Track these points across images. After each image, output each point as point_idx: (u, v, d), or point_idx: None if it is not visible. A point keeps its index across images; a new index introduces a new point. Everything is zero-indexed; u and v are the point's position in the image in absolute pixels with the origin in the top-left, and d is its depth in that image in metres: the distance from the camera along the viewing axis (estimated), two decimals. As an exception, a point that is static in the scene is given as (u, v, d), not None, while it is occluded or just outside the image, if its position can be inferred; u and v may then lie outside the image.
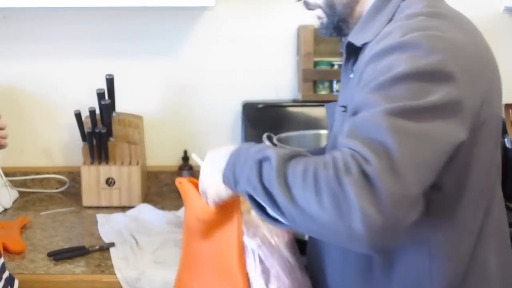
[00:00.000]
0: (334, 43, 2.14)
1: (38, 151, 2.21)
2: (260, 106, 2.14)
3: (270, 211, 1.06)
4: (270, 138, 1.95)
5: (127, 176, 2.00)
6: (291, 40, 2.18)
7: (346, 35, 1.25)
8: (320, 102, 2.11)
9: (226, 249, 1.23)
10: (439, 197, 1.07)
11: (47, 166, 2.21)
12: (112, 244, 1.68)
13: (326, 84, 2.16)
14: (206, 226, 1.25)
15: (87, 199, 2.01)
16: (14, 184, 2.15)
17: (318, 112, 2.09)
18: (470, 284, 1.13)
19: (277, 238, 1.24)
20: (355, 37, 1.19)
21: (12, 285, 1.37)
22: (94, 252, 1.65)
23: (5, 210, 2.01)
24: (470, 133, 1.02)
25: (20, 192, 2.15)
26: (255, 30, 2.16)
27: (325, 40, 2.13)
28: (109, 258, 1.61)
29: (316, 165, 0.97)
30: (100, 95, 1.96)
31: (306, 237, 1.39)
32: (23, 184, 2.18)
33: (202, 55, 2.17)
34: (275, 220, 1.08)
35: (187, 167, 2.17)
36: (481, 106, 1.06)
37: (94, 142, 1.99)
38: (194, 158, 1.35)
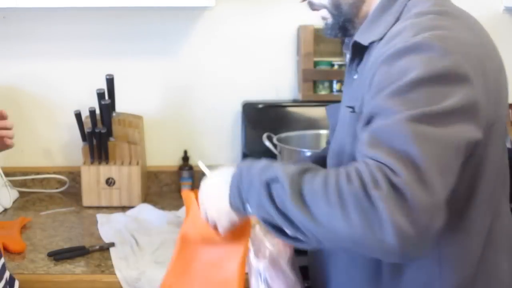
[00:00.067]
0: (334, 43, 2.15)
1: (38, 151, 2.21)
2: (260, 106, 2.14)
3: (289, 231, 1.04)
4: (270, 138, 1.95)
5: (127, 176, 2.00)
6: (291, 40, 2.18)
7: (351, 35, 1.24)
8: (320, 102, 2.12)
9: (227, 265, 1.21)
10: (451, 199, 1.05)
11: (47, 166, 2.21)
12: (112, 244, 1.68)
13: (326, 84, 2.16)
14: (209, 242, 1.22)
15: (87, 199, 2.01)
16: (14, 184, 2.15)
17: (318, 112, 2.09)
18: (481, 287, 1.12)
19: (280, 254, 1.22)
20: (362, 37, 1.18)
21: (12, 286, 1.37)
22: (94, 252, 1.65)
23: (5, 210, 2.01)
24: (483, 134, 1.02)
25: (20, 192, 2.15)
26: (255, 30, 2.16)
27: (325, 40, 2.14)
28: (109, 258, 1.61)
29: (337, 179, 0.95)
30: (100, 95, 1.96)
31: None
32: (23, 184, 2.18)
33: (202, 55, 2.17)
34: (296, 239, 1.05)
35: (187, 167, 2.17)
36: (492, 106, 1.06)
37: (94, 142, 1.99)
38: (200, 166, 1.31)
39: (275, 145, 1.93)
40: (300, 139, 2.01)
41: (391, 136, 0.95)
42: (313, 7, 1.25)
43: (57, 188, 2.19)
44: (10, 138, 1.53)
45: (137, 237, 1.72)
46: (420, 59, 1.00)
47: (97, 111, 1.98)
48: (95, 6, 1.92)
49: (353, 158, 1.11)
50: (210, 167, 1.28)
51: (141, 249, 1.67)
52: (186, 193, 1.28)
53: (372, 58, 1.12)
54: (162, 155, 2.22)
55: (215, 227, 1.18)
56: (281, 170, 1.01)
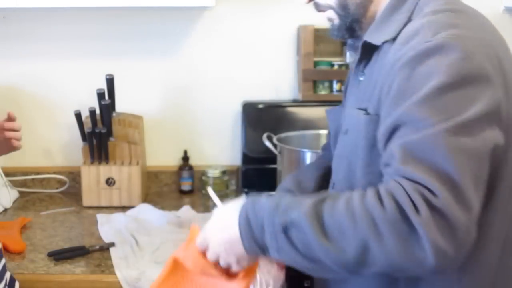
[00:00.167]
0: (334, 43, 2.15)
1: (38, 151, 2.21)
2: (260, 106, 2.14)
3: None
4: (270, 138, 1.95)
5: (127, 176, 2.00)
6: (291, 40, 2.18)
7: (358, 36, 1.21)
8: (320, 102, 2.12)
9: None
10: None
11: (47, 166, 2.21)
12: (112, 244, 1.68)
13: (326, 84, 2.16)
14: (205, 273, 1.19)
15: (87, 199, 2.01)
16: (14, 184, 2.15)
17: (318, 112, 2.08)
18: None
19: (274, 281, 1.19)
20: (372, 36, 1.15)
21: (12, 287, 1.38)
22: (94, 252, 1.65)
23: (5, 210, 2.01)
24: (504, 136, 1.01)
25: (20, 192, 2.15)
26: (255, 30, 2.16)
27: (325, 40, 2.14)
28: (109, 258, 1.61)
29: (365, 204, 0.94)
30: (100, 95, 1.96)
31: None
32: (23, 184, 2.18)
33: (202, 55, 2.17)
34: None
35: (187, 167, 2.17)
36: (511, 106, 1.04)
37: (94, 142, 1.99)
38: (210, 194, 1.28)
39: (275, 145, 1.93)
40: (300, 139, 2.01)
41: (426, 151, 0.93)
42: (319, 8, 1.22)
43: (57, 188, 2.19)
44: (18, 140, 1.54)
45: (137, 237, 1.72)
46: (443, 62, 0.98)
47: (97, 111, 1.98)
48: (95, 6, 1.92)
49: (366, 164, 1.10)
50: (218, 193, 1.26)
51: (141, 249, 1.67)
52: (194, 227, 1.24)
53: (388, 59, 1.09)
54: (162, 155, 2.22)
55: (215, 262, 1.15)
56: (295, 212, 0.99)
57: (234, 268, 1.13)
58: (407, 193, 0.92)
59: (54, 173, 2.19)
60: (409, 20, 1.11)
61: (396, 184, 0.94)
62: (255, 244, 1.05)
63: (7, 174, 2.11)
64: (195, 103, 2.20)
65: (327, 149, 1.51)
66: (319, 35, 2.13)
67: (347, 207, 0.96)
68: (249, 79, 2.18)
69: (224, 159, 2.23)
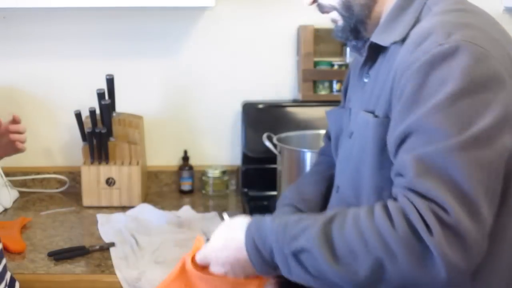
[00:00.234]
0: (334, 43, 2.15)
1: (38, 151, 2.21)
2: (260, 106, 2.14)
3: None
4: (270, 138, 1.95)
5: (127, 176, 2.00)
6: (291, 40, 2.18)
7: (363, 38, 1.19)
8: (320, 102, 2.12)
9: None
10: None
11: (47, 166, 2.21)
12: (112, 244, 1.68)
13: (326, 84, 2.16)
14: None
15: (87, 199, 2.01)
16: (14, 184, 2.15)
17: (318, 112, 2.08)
18: None
19: None
20: (380, 38, 1.13)
21: (13, 287, 1.37)
22: (94, 252, 1.65)
23: (5, 210, 2.01)
24: None
25: (20, 192, 2.15)
26: (255, 30, 2.16)
27: (325, 40, 2.14)
28: (109, 258, 1.61)
29: (375, 224, 0.95)
30: (100, 95, 1.96)
31: None
32: (23, 184, 2.18)
33: (202, 55, 2.17)
34: None
35: (187, 167, 2.17)
36: None
37: (94, 142, 1.99)
38: (225, 218, 1.25)
39: (275, 145, 1.93)
40: (300, 139, 2.01)
41: (440, 164, 0.93)
42: (323, 9, 1.20)
43: (57, 188, 2.19)
44: (22, 142, 1.54)
45: (137, 237, 1.72)
46: (456, 67, 0.96)
47: (97, 111, 1.98)
48: (95, 6, 1.92)
49: (374, 167, 1.09)
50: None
51: (141, 249, 1.67)
52: (199, 238, 1.24)
53: (397, 61, 1.06)
54: (162, 155, 2.22)
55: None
56: (303, 237, 1.00)
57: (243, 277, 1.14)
58: (419, 212, 0.93)
59: (54, 173, 2.19)
60: (417, 20, 1.10)
61: (407, 202, 0.95)
62: (266, 266, 1.07)
63: (7, 174, 2.11)
64: (195, 103, 2.20)
65: (326, 154, 1.49)
66: (319, 35, 2.13)
67: (356, 227, 0.97)
68: (249, 79, 2.18)
69: (224, 159, 2.23)
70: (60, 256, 1.62)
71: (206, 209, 2.01)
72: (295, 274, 1.03)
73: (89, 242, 1.72)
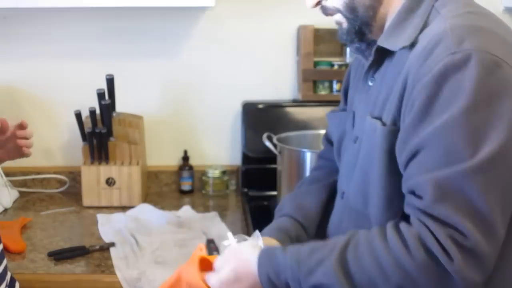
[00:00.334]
0: (334, 43, 2.15)
1: (38, 151, 2.20)
2: (260, 106, 2.14)
3: None
4: (270, 138, 1.95)
5: (127, 176, 2.00)
6: (291, 40, 2.18)
7: (368, 40, 1.17)
8: (320, 102, 2.13)
9: None
10: None
11: (47, 166, 2.21)
12: (112, 244, 1.68)
13: (326, 84, 2.16)
14: None
15: (87, 199, 2.01)
16: (14, 184, 2.15)
17: (318, 112, 2.09)
18: None
19: None
20: (387, 42, 1.11)
21: (13, 287, 1.37)
22: (94, 252, 1.65)
23: (5, 210, 2.01)
24: None
25: (20, 192, 2.15)
26: (255, 30, 2.16)
27: (325, 40, 2.14)
28: (109, 258, 1.61)
29: (391, 252, 0.96)
30: (100, 95, 1.96)
31: None
32: (23, 184, 2.18)
33: (202, 55, 2.17)
34: None
35: (187, 167, 2.17)
36: None
37: (94, 142, 1.99)
38: (229, 237, 1.24)
39: (275, 145, 1.93)
40: (300, 139, 2.01)
41: (458, 189, 0.93)
42: (327, 11, 1.17)
43: (57, 188, 2.19)
44: (29, 147, 1.55)
45: (137, 237, 1.72)
46: (469, 78, 0.95)
47: (97, 111, 1.98)
48: (95, 6, 1.92)
49: (384, 177, 1.08)
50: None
51: (141, 249, 1.67)
52: (200, 246, 1.24)
53: (406, 67, 1.04)
54: (162, 155, 2.22)
55: None
56: (320, 271, 1.01)
57: None
58: (437, 239, 0.94)
59: (54, 173, 2.19)
60: (425, 24, 1.08)
61: (424, 228, 0.96)
62: None
63: (7, 174, 2.11)
64: (195, 103, 2.20)
65: (326, 158, 1.47)
66: (319, 35, 2.13)
67: (371, 255, 0.98)
68: (249, 79, 2.18)
69: (224, 159, 2.23)
70: (60, 256, 1.62)
71: (206, 209, 2.01)
72: None
73: (89, 242, 1.72)
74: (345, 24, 1.16)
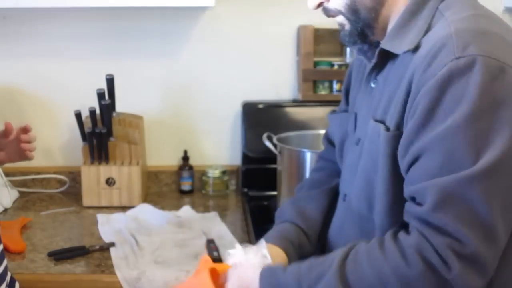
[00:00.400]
0: (334, 43, 2.15)
1: (38, 151, 2.17)
2: (260, 106, 2.14)
3: None
4: (270, 138, 1.95)
5: (127, 176, 2.00)
6: (291, 40, 2.18)
7: (370, 42, 1.17)
8: (320, 102, 2.13)
9: None
10: None
11: (47, 166, 2.21)
12: (112, 244, 1.68)
13: (326, 84, 2.16)
14: None
15: (87, 199, 2.01)
16: (14, 184, 2.15)
17: (318, 112, 2.09)
18: None
19: None
20: (391, 45, 1.10)
21: (13, 287, 1.37)
22: (94, 252, 1.65)
23: (5, 210, 2.01)
24: None
25: (20, 192, 2.15)
26: (255, 30, 2.16)
27: (325, 40, 2.14)
28: (109, 258, 1.61)
29: (391, 265, 0.96)
30: (100, 95, 1.96)
31: None
32: (23, 184, 2.18)
33: (202, 55, 2.17)
34: None
35: (187, 167, 2.17)
36: None
37: (94, 142, 1.99)
38: (237, 247, 1.23)
39: (275, 145, 1.93)
40: (300, 139, 2.01)
41: (459, 196, 0.93)
42: (329, 13, 1.17)
43: (57, 188, 2.19)
44: (31, 151, 1.55)
45: (137, 237, 1.72)
46: (473, 84, 0.94)
47: (97, 111, 1.98)
48: (95, 6, 1.92)
49: (388, 182, 1.08)
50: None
51: (141, 249, 1.67)
52: (205, 257, 1.22)
53: (409, 70, 1.04)
54: (162, 155, 2.22)
55: None
56: (320, 286, 1.01)
57: None
58: (435, 249, 0.94)
59: (54, 173, 2.19)
60: (429, 26, 1.07)
61: (422, 239, 0.96)
62: None
63: (7, 174, 2.11)
64: (195, 103, 2.20)
65: (326, 158, 1.46)
66: (319, 35, 2.13)
67: (371, 267, 0.98)
68: (249, 79, 2.18)
69: (224, 159, 2.23)
70: (60, 256, 1.62)
71: (206, 209, 2.01)
72: None
73: (89, 242, 1.72)
74: (347, 26, 1.15)
